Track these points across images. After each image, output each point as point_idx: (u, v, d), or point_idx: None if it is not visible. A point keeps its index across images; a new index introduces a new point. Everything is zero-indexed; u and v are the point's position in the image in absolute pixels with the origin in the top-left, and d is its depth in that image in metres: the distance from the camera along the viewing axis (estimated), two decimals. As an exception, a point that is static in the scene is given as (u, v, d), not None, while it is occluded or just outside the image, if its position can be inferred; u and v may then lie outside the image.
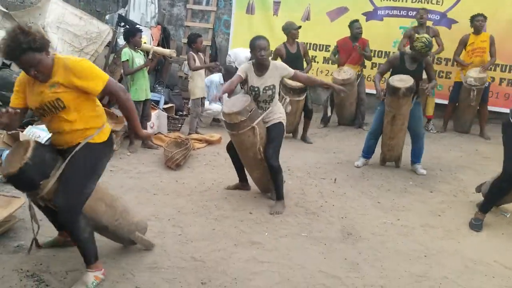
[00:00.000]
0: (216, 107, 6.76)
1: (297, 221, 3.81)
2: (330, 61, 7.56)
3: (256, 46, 3.82)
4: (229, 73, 6.91)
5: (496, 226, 3.87)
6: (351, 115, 7.20)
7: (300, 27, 6.35)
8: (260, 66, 3.91)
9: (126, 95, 2.75)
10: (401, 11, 7.71)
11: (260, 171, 4.11)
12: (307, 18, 8.34)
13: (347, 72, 6.71)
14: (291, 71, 3.96)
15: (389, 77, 4.89)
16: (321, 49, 8.31)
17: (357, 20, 6.92)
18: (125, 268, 2.95)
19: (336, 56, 7.03)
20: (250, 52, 3.99)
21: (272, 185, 4.13)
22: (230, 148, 4.22)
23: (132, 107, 2.80)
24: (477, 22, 6.50)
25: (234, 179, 4.51)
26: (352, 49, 6.81)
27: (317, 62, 8.30)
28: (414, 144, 5.08)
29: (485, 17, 6.52)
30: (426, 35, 4.74)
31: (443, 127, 7.02)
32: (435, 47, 6.69)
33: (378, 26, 7.76)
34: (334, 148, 6.14)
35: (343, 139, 6.65)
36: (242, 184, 4.42)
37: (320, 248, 3.37)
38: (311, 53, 8.27)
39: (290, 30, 6.29)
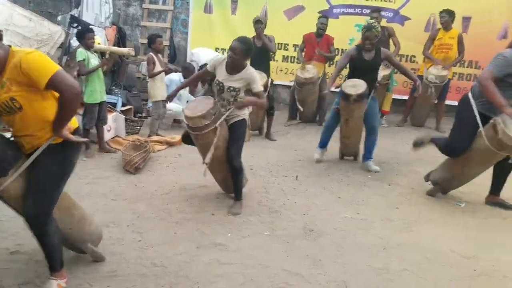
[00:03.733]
0: (176, 107, 6.66)
1: (260, 220, 3.81)
2: (296, 59, 7.58)
3: (230, 46, 3.74)
4: (188, 71, 6.85)
5: (451, 216, 4.00)
6: (312, 112, 7.28)
7: (258, 21, 6.34)
8: (231, 66, 3.80)
9: (72, 94, 2.38)
10: (356, 9, 7.86)
11: (224, 173, 4.07)
12: (264, 16, 8.34)
13: (310, 71, 6.77)
14: (259, 88, 3.81)
15: (348, 73, 4.99)
16: (279, 47, 8.33)
17: (324, 16, 6.99)
18: (82, 277, 2.85)
19: (303, 53, 7.06)
20: None
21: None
22: (186, 137, 4.10)
23: (71, 109, 2.47)
24: (441, 18, 6.66)
25: (197, 180, 4.45)
26: (317, 45, 6.89)
27: (276, 61, 8.33)
28: (368, 137, 5.15)
29: (448, 13, 6.61)
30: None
31: (402, 120, 7.20)
32: (392, 47, 6.88)
33: (334, 24, 7.83)
34: (296, 145, 6.19)
35: (305, 136, 6.70)
36: None
37: (283, 246, 3.37)
38: (269, 51, 8.31)
39: (254, 25, 6.34)
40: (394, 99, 7.42)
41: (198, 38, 8.57)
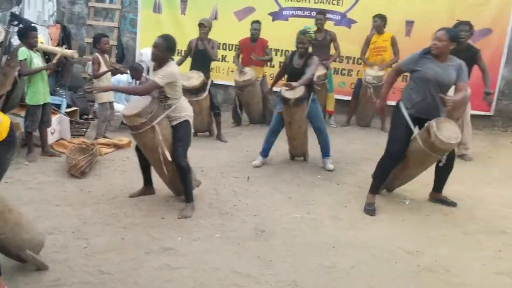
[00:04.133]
0: (123, 108, 6.48)
1: (210, 223, 3.78)
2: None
3: (153, 43, 3.80)
4: (137, 71, 6.70)
5: (397, 213, 4.14)
6: (260, 113, 7.33)
7: (201, 24, 6.34)
8: (155, 62, 3.89)
9: None
10: (305, 12, 7.97)
11: (170, 173, 4.01)
12: (215, 17, 8.31)
13: (248, 73, 6.83)
14: (156, 79, 3.76)
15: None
16: (230, 48, 8.33)
17: (256, 21, 7.06)
18: (23, 287, 2.72)
19: (240, 57, 7.12)
20: None
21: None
22: (138, 148, 4.08)
23: None
24: (374, 22, 6.93)
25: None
26: (253, 49, 6.95)
27: (227, 62, 8.33)
28: (319, 138, 5.26)
29: (381, 17, 6.91)
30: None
31: (347, 121, 7.41)
32: (332, 50, 7.08)
33: (284, 26, 7.96)
34: (247, 146, 6.19)
35: (255, 137, 6.72)
36: (146, 189, 4.29)
37: (234, 248, 3.37)
38: (220, 52, 8.26)
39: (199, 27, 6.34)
40: (342, 100, 7.60)
41: (147, 38, 8.36)
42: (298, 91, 4.83)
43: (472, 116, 7.16)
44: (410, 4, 7.59)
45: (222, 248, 3.35)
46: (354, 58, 7.82)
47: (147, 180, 4.28)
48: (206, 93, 6.28)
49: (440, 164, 4.10)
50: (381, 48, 7.00)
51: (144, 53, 7.87)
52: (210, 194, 4.40)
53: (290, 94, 4.83)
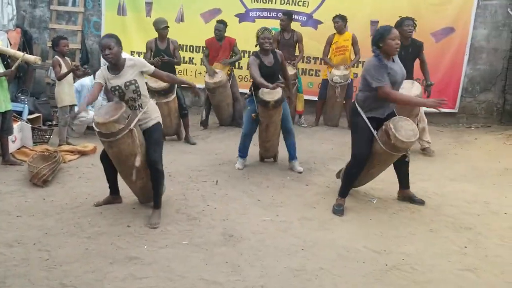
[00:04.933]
0: (89, 114, 6.33)
1: (178, 229, 3.71)
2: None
3: (102, 46, 3.65)
4: None
5: (364, 212, 4.17)
6: (230, 115, 7.29)
7: (167, 27, 6.27)
8: (113, 66, 3.72)
9: None
10: (271, 13, 7.98)
11: (142, 181, 3.92)
12: (181, 19, 8.23)
13: (219, 74, 6.78)
14: (151, 67, 3.85)
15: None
16: (197, 50, 8.26)
17: (220, 21, 7.01)
18: (-21, 306, 2.60)
19: (208, 58, 7.07)
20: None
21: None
22: (103, 158, 3.97)
23: None
24: (335, 23, 7.01)
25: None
26: (220, 48, 6.91)
27: (195, 64, 8.26)
28: (286, 140, 5.26)
29: (341, 18, 7.00)
30: None
31: (315, 122, 7.45)
32: (297, 51, 7.12)
33: (251, 28, 7.87)
34: (216, 149, 6.14)
35: (225, 139, 6.68)
36: (113, 198, 4.17)
37: (202, 254, 3.31)
38: (188, 54, 8.21)
39: (157, 29, 6.26)
40: (311, 100, 7.64)
41: None
42: (277, 94, 4.82)
43: (437, 113, 7.34)
44: (375, 4, 7.70)
45: (189, 255, 3.29)
46: (321, 58, 7.86)
47: (114, 189, 4.17)
48: (174, 94, 6.20)
49: (406, 160, 4.14)
50: (343, 48, 7.10)
51: None
52: (178, 199, 4.32)
53: (269, 97, 4.81)
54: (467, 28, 7.64)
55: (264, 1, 8.03)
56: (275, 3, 7.98)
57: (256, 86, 4.98)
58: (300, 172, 5.20)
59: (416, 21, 5.70)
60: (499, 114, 7.92)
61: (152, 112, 3.89)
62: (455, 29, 7.64)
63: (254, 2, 8.03)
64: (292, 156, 5.32)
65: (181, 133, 6.63)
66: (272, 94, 4.83)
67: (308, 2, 7.90)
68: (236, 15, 8.02)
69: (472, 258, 3.34)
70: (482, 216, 4.10)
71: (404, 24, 5.57)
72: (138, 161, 3.65)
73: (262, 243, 3.51)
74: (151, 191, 3.96)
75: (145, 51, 6.60)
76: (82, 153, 5.59)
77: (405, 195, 4.43)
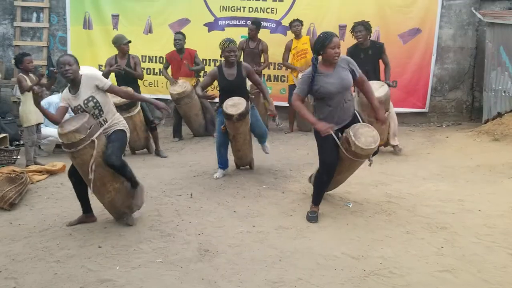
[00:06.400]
0: (55, 132, 6.15)
1: (151, 247, 3.60)
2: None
3: (61, 62, 3.68)
4: None
5: (341, 218, 4.13)
6: (201, 125, 7.22)
7: (129, 41, 6.21)
8: (71, 83, 3.77)
9: None
10: (241, 21, 7.97)
11: (111, 193, 3.81)
12: (149, 31, 8.14)
13: (182, 85, 6.72)
14: (106, 83, 3.83)
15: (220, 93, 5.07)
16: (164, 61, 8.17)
17: (179, 32, 6.99)
18: None
19: (168, 71, 7.02)
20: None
21: (128, 201, 3.93)
22: (72, 174, 3.86)
23: None
24: (294, 27, 7.06)
25: (81, 211, 4.11)
26: (181, 61, 6.86)
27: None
28: (259, 141, 5.35)
29: (300, 22, 7.07)
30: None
31: (289, 128, 7.43)
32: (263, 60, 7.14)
33: (220, 36, 7.77)
34: (190, 161, 6.05)
35: (199, 150, 6.60)
36: (86, 216, 4.05)
37: (176, 272, 3.21)
38: (158, 66, 8.12)
39: (120, 45, 6.18)
40: (282, 107, 7.63)
41: (79, 55, 7.75)
42: (240, 107, 4.81)
43: (409, 113, 7.45)
44: (341, 9, 7.77)
45: (164, 273, 3.19)
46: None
47: (86, 207, 4.04)
48: (138, 108, 6.11)
49: (369, 165, 4.15)
50: (303, 51, 7.17)
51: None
52: (152, 215, 4.21)
53: (233, 110, 4.79)
54: (433, 29, 7.78)
55: (233, 9, 8.02)
56: (244, 11, 7.98)
57: (223, 99, 4.95)
58: (267, 153, 5.33)
59: (369, 24, 5.76)
60: (468, 111, 8.07)
61: (118, 123, 3.89)
62: (421, 30, 7.77)
63: (223, 10, 8.01)
64: (262, 141, 5.38)
65: (151, 147, 6.52)
66: (235, 107, 4.82)
67: (276, 9, 7.92)
68: (205, 24, 7.98)
69: (450, 258, 3.34)
70: (457, 214, 4.12)
71: (355, 29, 5.77)
72: (91, 174, 3.59)
73: (239, 256, 3.43)
74: (122, 206, 3.89)
75: None
76: (51, 173, 5.42)
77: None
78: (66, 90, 3.84)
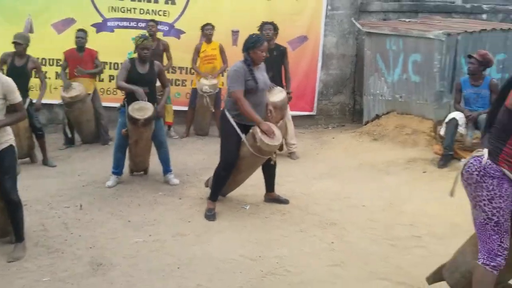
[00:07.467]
0: None
1: (37, 265, 3.32)
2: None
3: None
4: None
5: (238, 220, 4.20)
6: (92, 132, 6.82)
7: (19, 44, 5.72)
8: None
9: None
10: (131, 23, 7.72)
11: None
12: (30, 30, 7.49)
13: (77, 88, 6.33)
14: (18, 98, 3.46)
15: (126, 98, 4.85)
16: (51, 63, 7.65)
17: (81, 30, 6.63)
18: None
19: (66, 71, 6.59)
20: None
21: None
22: None
23: None
24: (207, 31, 7.03)
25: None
26: (81, 60, 6.50)
27: (49, 78, 7.55)
28: (159, 152, 5.12)
29: (213, 26, 7.08)
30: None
31: (186, 132, 7.38)
32: (165, 61, 6.99)
33: (110, 38, 7.59)
34: (79, 170, 5.69)
35: (88, 158, 6.24)
36: None
37: (67, 290, 3.01)
38: (43, 68, 7.50)
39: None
40: (180, 111, 7.55)
41: None
42: (148, 112, 4.67)
43: (298, 116, 7.80)
44: (233, 14, 7.90)
45: (52, 293, 2.97)
46: (187, 68, 7.82)
47: None
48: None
49: (272, 163, 4.34)
50: (211, 57, 7.15)
51: None
52: (37, 231, 3.88)
53: (139, 115, 4.62)
54: (318, 36, 8.25)
55: (123, 10, 7.74)
56: (135, 12, 7.74)
57: (129, 99, 4.75)
58: (176, 184, 5.09)
59: (277, 25, 6.00)
60: (351, 114, 8.72)
61: (4, 134, 3.48)
62: (308, 38, 8.20)
63: (112, 11, 7.69)
64: (166, 170, 5.18)
65: (35, 156, 6.00)
66: (142, 111, 4.67)
67: (168, 12, 7.80)
68: (93, 25, 7.56)
69: (339, 253, 3.57)
70: (344, 211, 4.42)
71: (264, 28, 5.97)
72: None
73: (134, 268, 3.31)
74: (5, 224, 3.54)
75: None
76: None
77: (271, 197, 4.60)
78: None
